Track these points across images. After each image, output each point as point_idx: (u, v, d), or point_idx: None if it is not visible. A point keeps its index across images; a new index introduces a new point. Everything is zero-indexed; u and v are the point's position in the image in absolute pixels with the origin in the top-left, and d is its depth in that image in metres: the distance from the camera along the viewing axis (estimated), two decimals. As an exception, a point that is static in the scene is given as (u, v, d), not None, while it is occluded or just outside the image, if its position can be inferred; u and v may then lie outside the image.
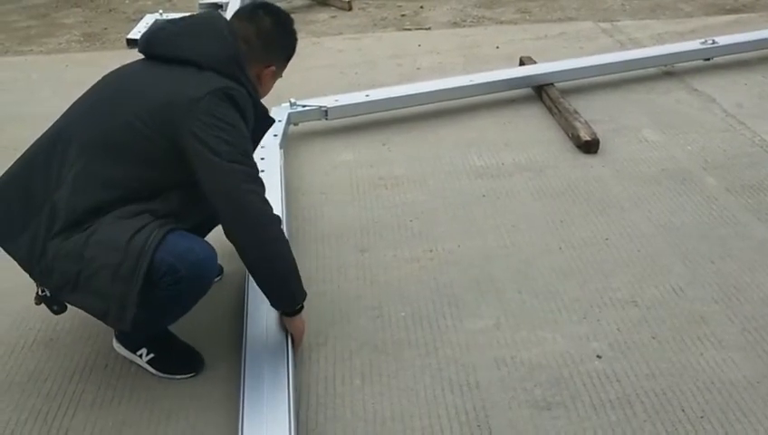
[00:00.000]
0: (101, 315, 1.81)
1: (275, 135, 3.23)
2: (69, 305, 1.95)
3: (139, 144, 1.83)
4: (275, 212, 1.89)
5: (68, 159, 1.84)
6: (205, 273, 1.85)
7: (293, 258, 1.95)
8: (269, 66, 2.05)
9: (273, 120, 2.14)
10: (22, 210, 1.84)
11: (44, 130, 1.98)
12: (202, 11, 2.07)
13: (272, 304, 2.00)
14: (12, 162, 1.96)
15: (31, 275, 1.88)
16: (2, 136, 3.71)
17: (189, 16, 2.04)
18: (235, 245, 1.85)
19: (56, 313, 1.96)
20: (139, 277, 1.71)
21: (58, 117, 2.01)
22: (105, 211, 1.80)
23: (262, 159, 3.00)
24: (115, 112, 1.87)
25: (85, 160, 1.83)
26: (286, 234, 2.29)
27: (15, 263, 1.88)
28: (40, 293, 1.93)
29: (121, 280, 1.72)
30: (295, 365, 2.00)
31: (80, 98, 2.00)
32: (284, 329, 2.05)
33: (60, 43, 5.44)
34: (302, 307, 2.03)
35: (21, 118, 3.84)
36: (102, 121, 1.87)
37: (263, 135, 2.12)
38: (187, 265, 1.76)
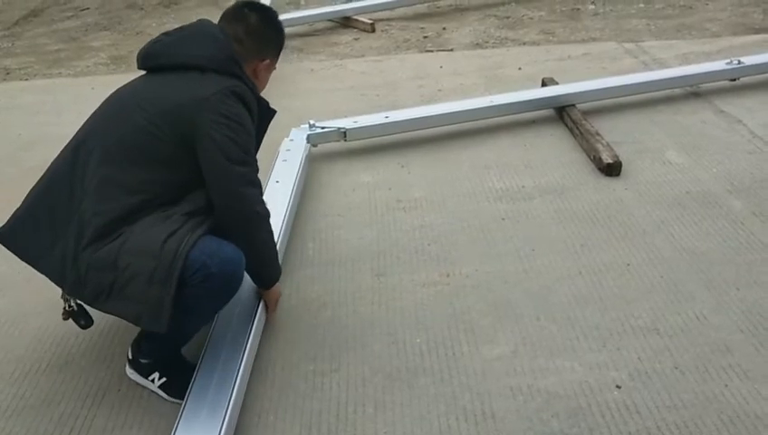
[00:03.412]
0: (135, 319, 1.85)
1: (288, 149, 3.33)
2: (95, 322, 2.02)
3: (154, 147, 1.90)
4: (267, 210, 2.03)
5: (88, 171, 1.90)
6: (234, 270, 1.90)
7: (275, 246, 2.14)
8: (263, 60, 2.16)
9: (275, 111, 2.22)
10: (49, 228, 1.89)
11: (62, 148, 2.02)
12: (194, 21, 2.17)
13: (252, 280, 2.18)
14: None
15: (63, 290, 1.93)
16: (30, 157, 3.78)
17: (181, 27, 2.11)
18: (229, 234, 1.94)
19: (83, 327, 2.02)
20: (173, 279, 1.76)
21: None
22: (132, 218, 1.85)
23: (284, 160, 3.19)
24: (128, 121, 1.93)
25: (104, 170, 1.89)
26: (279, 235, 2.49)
27: (35, 284, 1.90)
28: (67, 308, 1.98)
29: (157, 284, 1.76)
30: (259, 330, 2.15)
31: (91, 115, 2.07)
32: (259, 297, 2.22)
33: (87, 66, 5.55)
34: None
35: (48, 139, 3.89)
36: (117, 131, 1.93)
37: (266, 127, 2.22)
38: (217, 263, 1.82)
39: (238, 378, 1.93)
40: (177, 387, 2.04)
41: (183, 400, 2.00)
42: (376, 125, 3.59)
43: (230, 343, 2.06)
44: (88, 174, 1.90)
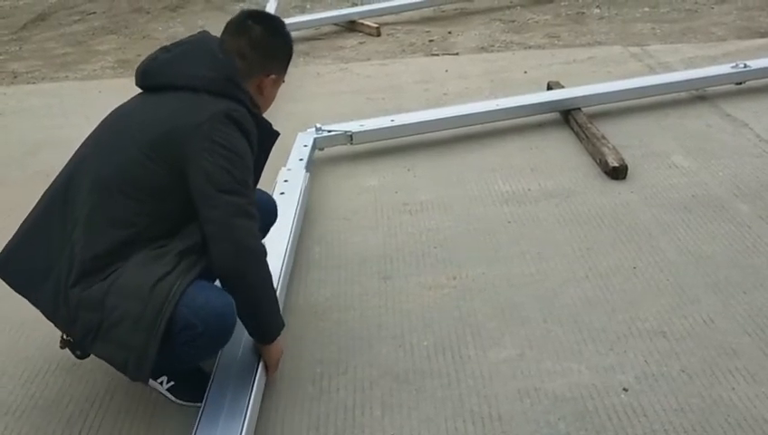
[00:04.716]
0: (122, 367, 1.78)
1: (301, 159, 3.25)
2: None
3: (145, 178, 1.81)
4: (263, 245, 1.85)
5: (79, 201, 1.83)
6: (222, 327, 1.81)
7: (274, 292, 1.93)
8: (269, 75, 2.02)
9: (278, 133, 2.09)
10: (43, 259, 1.83)
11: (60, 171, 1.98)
12: (194, 34, 2.04)
13: (249, 334, 1.97)
14: (45, 186, 1.97)
15: (55, 324, 1.88)
16: (36, 160, 3.81)
17: (181, 41, 2.00)
18: (219, 274, 1.82)
19: (80, 358, 1.96)
20: (159, 329, 1.69)
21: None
22: (124, 252, 1.78)
23: (285, 181, 3.02)
24: (119, 150, 1.85)
25: (95, 201, 1.82)
26: (277, 265, 2.29)
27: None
28: (65, 337, 1.93)
29: (142, 330, 1.70)
30: (258, 396, 1.95)
31: (86, 139, 1.99)
32: (258, 355, 2.01)
33: (94, 70, 5.58)
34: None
35: (55, 143, 3.93)
36: (108, 161, 1.85)
37: (270, 150, 2.09)
38: (203, 319, 1.74)
39: (254, 386, 1.91)
40: (186, 390, 2.04)
41: (191, 403, 2.02)
42: (382, 128, 3.61)
43: (239, 366, 2.00)
44: (79, 204, 1.83)
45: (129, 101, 2.00)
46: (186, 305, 1.73)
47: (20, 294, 1.88)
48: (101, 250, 1.78)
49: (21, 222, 1.95)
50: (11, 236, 1.93)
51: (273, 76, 2.04)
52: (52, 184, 1.95)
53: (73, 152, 2.00)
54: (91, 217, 1.81)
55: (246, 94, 1.94)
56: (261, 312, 1.91)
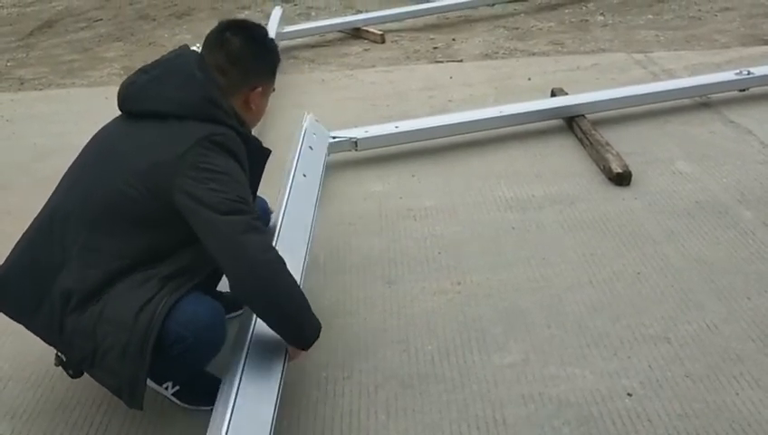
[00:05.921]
0: (116, 392, 1.79)
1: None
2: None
3: (135, 210, 1.78)
4: (279, 257, 1.78)
5: (69, 234, 1.82)
6: (213, 336, 1.82)
7: (304, 298, 1.86)
8: (254, 88, 1.96)
9: (269, 151, 2.06)
10: (34, 288, 1.83)
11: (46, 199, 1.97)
12: (173, 50, 1.98)
13: (289, 344, 1.90)
14: (52, 192, 1.98)
15: (56, 349, 1.90)
16: (45, 166, 3.83)
17: (159, 60, 1.93)
18: (241, 297, 1.80)
19: (72, 377, 1.95)
20: (146, 356, 1.69)
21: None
22: (114, 281, 1.77)
23: (304, 175, 2.96)
24: (105, 181, 1.82)
25: (87, 234, 1.80)
26: (301, 268, 2.20)
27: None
28: (59, 355, 1.93)
29: (130, 359, 1.70)
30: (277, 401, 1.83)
31: (71, 166, 1.97)
32: (283, 356, 1.91)
33: (101, 76, 5.61)
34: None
35: (63, 149, 3.92)
36: (94, 192, 1.83)
37: (262, 169, 2.06)
38: (193, 332, 1.75)
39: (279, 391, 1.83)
40: (191, 394, 2.05)
41: (197, 406, 2.03)
42: (387, 135, 3.62)
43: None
44: (69, 237, 1.81)
45: (111, 126, 1.96)
46: (175, 320, 1.73)
47: (17, 322, 1.90)
48: (96, 281, 1.77)
49: (22, 233, 1.94)
50: (6, 257, 1.92)
51: (259, 89, 1.98)
52: (39, 214, 1.93)
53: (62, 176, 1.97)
54: (84, 251, 1.80)
55: (230, 113, 1.88)
56: (295, 322, 1.84)
